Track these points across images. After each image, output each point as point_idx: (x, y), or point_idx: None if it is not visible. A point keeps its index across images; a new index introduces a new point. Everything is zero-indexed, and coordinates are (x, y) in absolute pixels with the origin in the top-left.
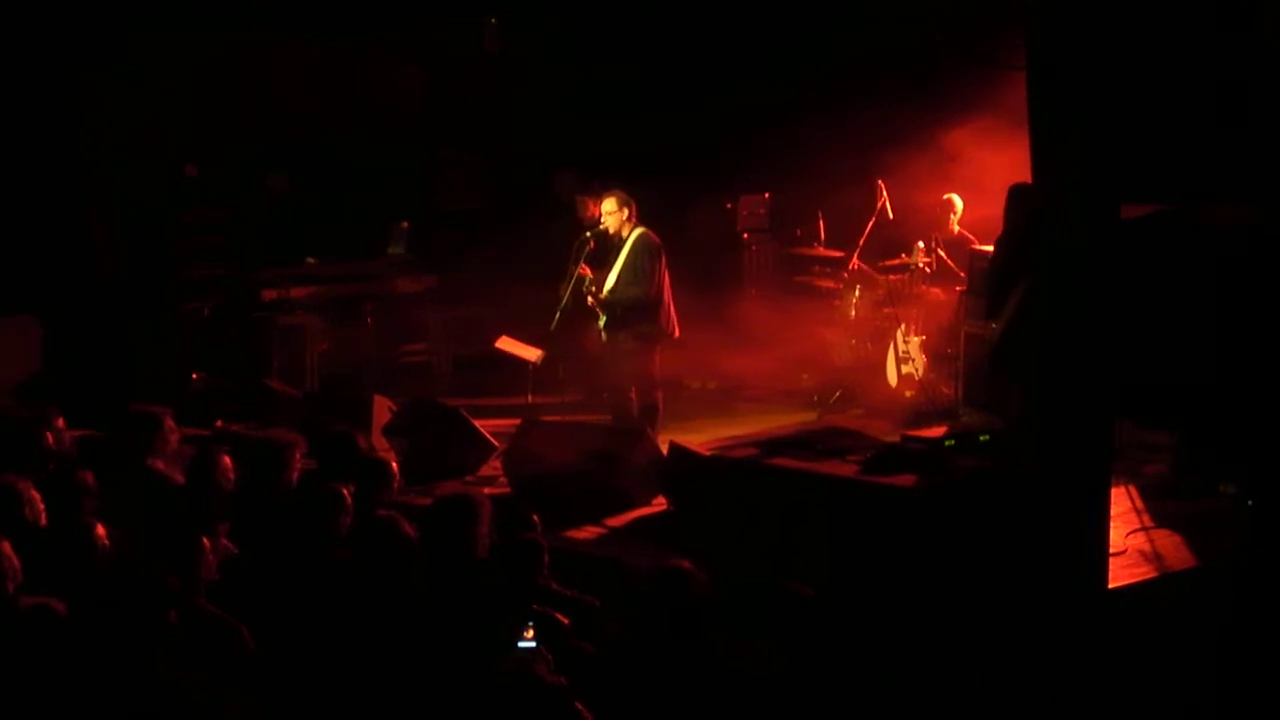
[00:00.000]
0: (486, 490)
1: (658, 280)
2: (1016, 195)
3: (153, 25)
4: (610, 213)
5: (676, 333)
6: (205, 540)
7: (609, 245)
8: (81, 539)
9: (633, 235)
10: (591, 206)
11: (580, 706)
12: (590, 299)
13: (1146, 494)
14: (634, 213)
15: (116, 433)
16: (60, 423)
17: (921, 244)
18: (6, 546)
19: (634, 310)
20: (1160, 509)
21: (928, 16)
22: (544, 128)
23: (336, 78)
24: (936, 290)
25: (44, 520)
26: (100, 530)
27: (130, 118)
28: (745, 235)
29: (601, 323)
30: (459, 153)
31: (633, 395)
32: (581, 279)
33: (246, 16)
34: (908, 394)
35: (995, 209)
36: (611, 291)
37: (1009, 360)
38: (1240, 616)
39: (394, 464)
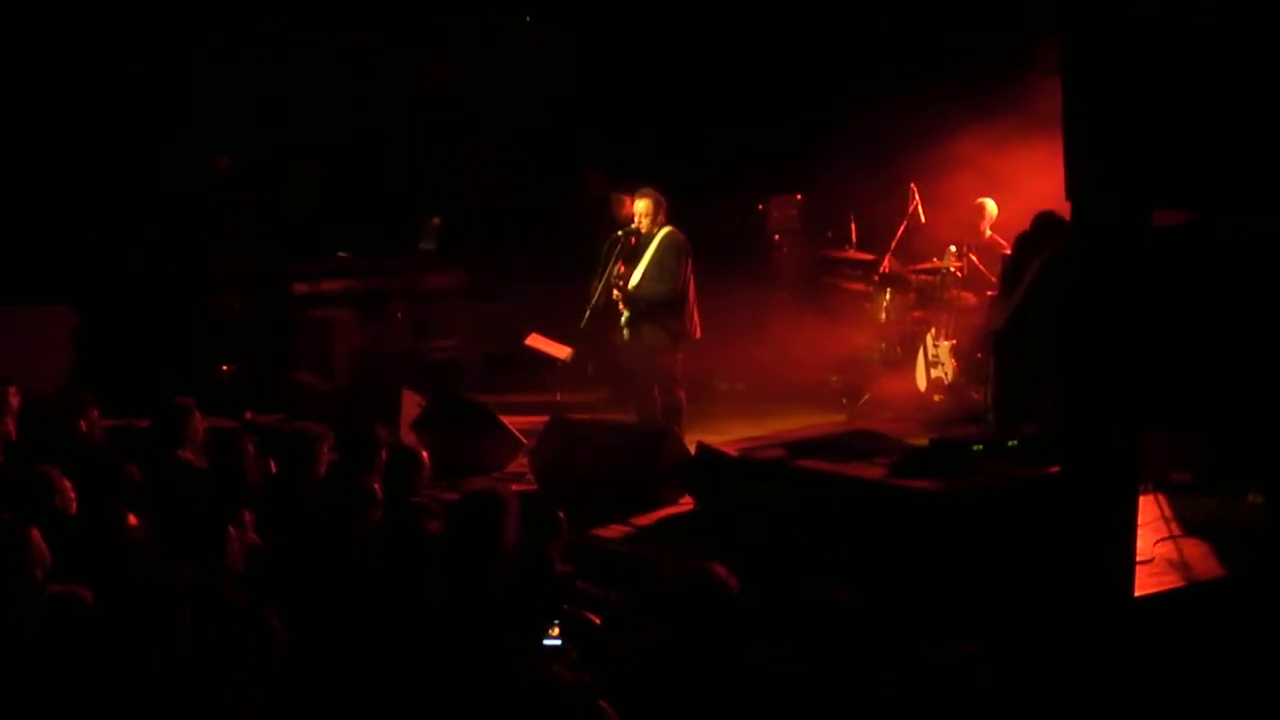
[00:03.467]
0: (514, 487)
1: (683, 278)
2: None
3: (187, 17)
4: (643, 213)
5: (698, 333)
6: (232, 530)
7: (637, 243)
8: (113, 528)
9: (660, 233)
10: (627, 204)
11: (605, 705)
12: (616, 292)
13: (1175, 502)
14: (664, 211)
15: (147, 423)
16: (95, 413)
17: (953, 248)
18: (35, 534)
19: (658, 307)
20: (1189, 517)
21: (964, 20)
22: (575, 125)
23: (369, 71)
24: (968, 294)
25: (74, 509)
26: (132, 520)
27: (166, 107)
28: (776, 236)
29: (624, 319)
30: (491, 149)
31: (655, 394)
32: (615, 275)
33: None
34: (937, 398)
35: (1028, 214)
36: (636, 288)
37: (1010, 344)
38: (1266, 626)
39: (425, 454)
